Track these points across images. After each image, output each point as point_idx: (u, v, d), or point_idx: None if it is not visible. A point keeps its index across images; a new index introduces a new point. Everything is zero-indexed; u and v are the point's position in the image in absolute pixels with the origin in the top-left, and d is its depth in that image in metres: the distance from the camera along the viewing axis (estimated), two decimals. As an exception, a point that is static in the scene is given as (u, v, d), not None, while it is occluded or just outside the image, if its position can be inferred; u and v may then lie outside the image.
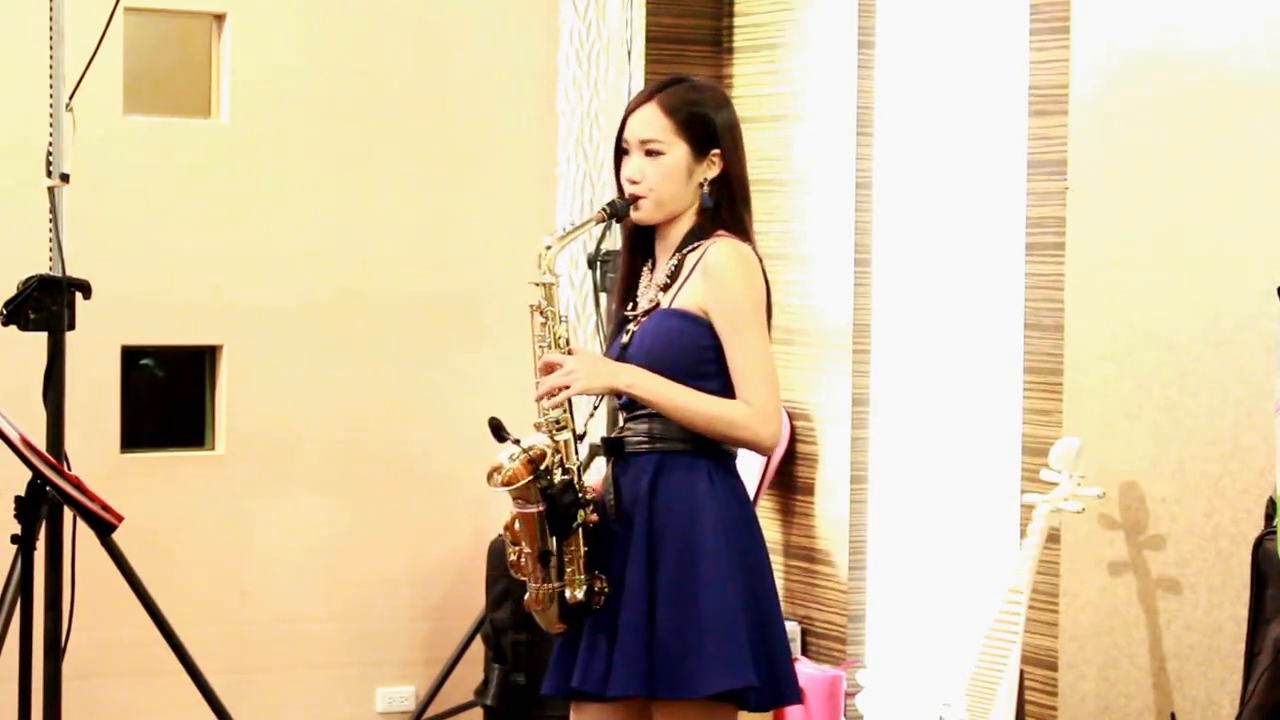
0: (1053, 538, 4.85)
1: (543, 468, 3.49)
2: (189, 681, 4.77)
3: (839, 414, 5.73)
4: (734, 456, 3.61)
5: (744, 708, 3.53)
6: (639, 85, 5.93)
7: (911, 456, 5.63)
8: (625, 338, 3.64)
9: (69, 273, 4.40)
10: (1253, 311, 4.44)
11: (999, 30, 5.29)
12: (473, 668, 5.71)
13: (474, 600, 5.76)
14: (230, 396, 5.70)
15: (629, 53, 5.77)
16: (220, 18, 5.70)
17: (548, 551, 3.52)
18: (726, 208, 3.60)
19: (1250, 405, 4.46)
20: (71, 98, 4.43)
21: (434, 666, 5.82)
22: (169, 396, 5.83)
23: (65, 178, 4.42)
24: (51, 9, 4.44)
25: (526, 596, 3.59)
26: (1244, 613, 4.24)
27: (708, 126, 3.57)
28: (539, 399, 3.55)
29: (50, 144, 4.42)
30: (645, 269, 3.69)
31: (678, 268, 3.58)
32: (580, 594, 3.53)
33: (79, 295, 4.41)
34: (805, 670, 5.64)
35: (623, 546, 3.54)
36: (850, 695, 5.54)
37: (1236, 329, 4.51)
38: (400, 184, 5.89)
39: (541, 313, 3.57)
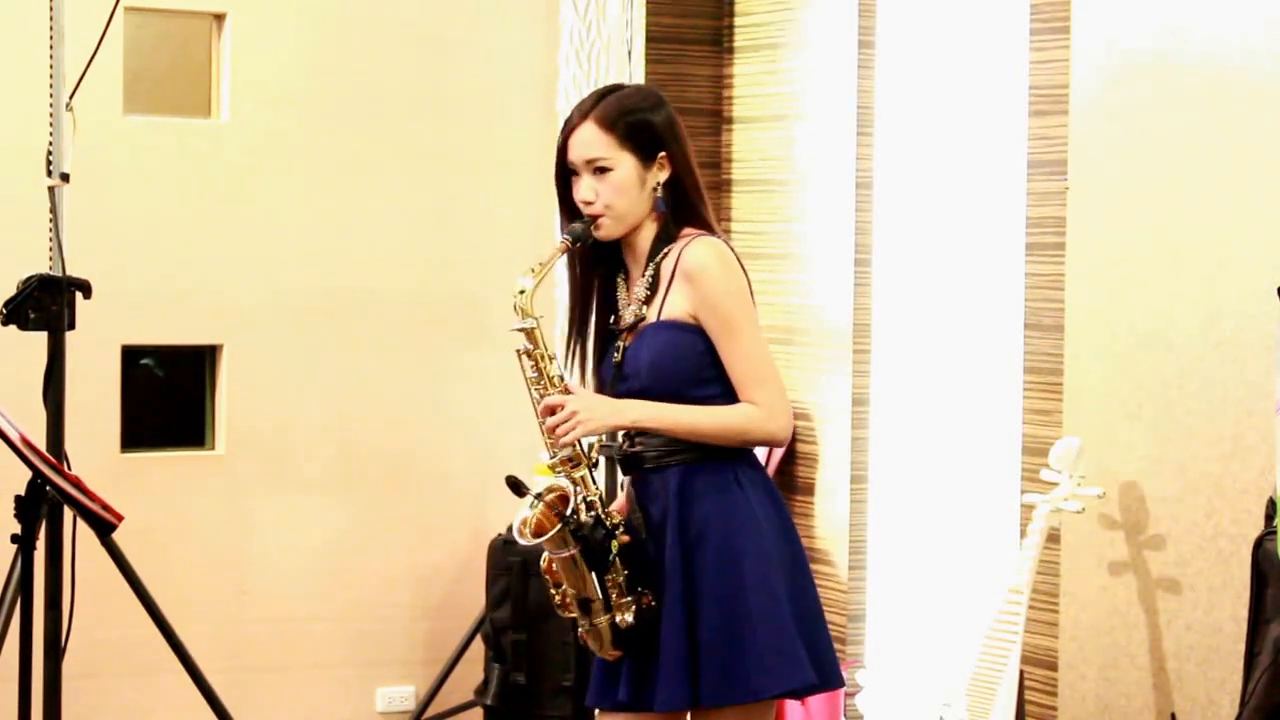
0: (1053, 538, 4.85)
1: (569, 512, 3.47)
2: (189, 681, 4.77)
3: (839, 414, 5.73)
4: (758, 454, 3.62)
5: (791, 697, 3.54)
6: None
7: (911, 456, 5.63)
8: (617, 355, 3.60)
9: (69, 272, 4.40)
10: (1253, 311, 4.44)
11: (999, 30, 5.29)
12: (473, 668, 5.72)
13: (474, 600, 5.76)
14: (230, 396, 5.70)
15: (629, 53, 5.77)
16: (220, 17, 5.70)
17: (588, 599, 3.50)
18: (684, 206, 3.58)
19: (1250, 405, 4.46)
20: (71, 97, 4.42)
21: (434, 666, 5.82)
22: (169, 396, 5.83)
23: (65, 177, 4.42)
24: (51, 9, 4.44)
25: (580, 630, 3.57)
26: (1244, 613, 4.23)
27: (649, 131, 3.56)
28: (550, 444, 3.53)
29: (50, 144, 4.42)
30: (620, 281, 3.65)
31: (655, 277, 3.56)
32: (630, 617, 3.51)
33: (79, 295, 4.41)
34: (805, 670, 5.64)
35: (656, 561, 3.53)
36: (850, 695, 5.54)
37: (1236, 329, 4.51)
38: (400, 184, 5.89)
39: (530, 355, 3.55)
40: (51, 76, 4.43)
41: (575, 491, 3.50)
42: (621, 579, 3.52)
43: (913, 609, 5.63)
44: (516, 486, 3.50)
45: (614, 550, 3.48)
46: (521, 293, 3.53)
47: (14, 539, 4.33)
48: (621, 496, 3.66)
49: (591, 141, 3.55)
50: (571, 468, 3.52)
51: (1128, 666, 4.76)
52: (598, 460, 3.59)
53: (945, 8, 5.53)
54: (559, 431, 3.50)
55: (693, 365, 3.51)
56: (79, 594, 4.41)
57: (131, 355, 5.66)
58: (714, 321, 3.50)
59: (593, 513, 3.49)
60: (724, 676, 3.45)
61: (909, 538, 5.64)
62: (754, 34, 6.08)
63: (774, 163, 5.98)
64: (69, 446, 4.45)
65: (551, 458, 3.54)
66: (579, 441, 3.52)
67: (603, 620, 3.51)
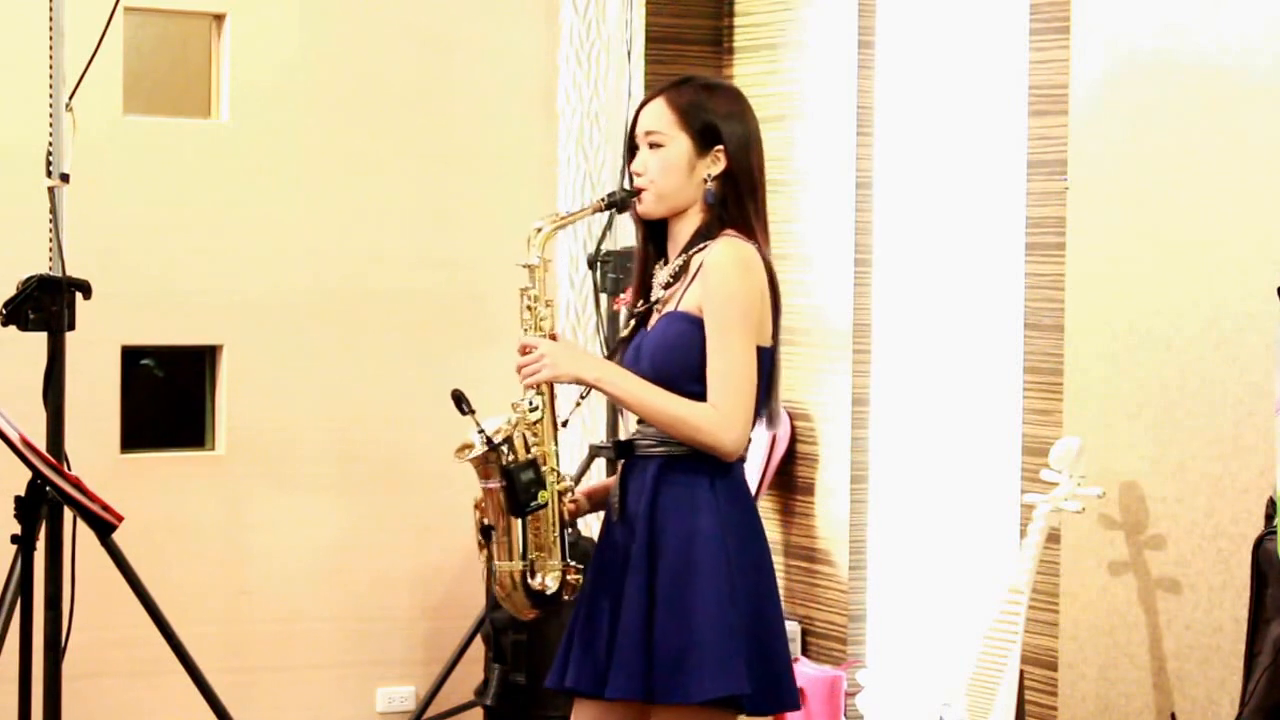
0: (1053, 537, 4.85)
1: (501, 442, 3.49)
2: (189, 681, 4.77)
3: (839, 414, 5.74)
4: (739, 460, 3.57)
5: (740, 713, 3.52)
6: (639, 85, 5.93)
7: (912, 456, 5.63)
8: (636, 334, 3.63)
9: (69, 273, 4.40)
10: (1253, 311, 4.44)
11: (999, 30, 5.29)
12: (473, 668, 5.71)
13: (474, 600, 5.76)
14: (230, 396, 5.70)
15: (629, 53, 5.77)
16: (220, 18, 5.70)
17: (489, 527, 3.53)
18: (734, 206, 3.57)
19: (1250, 405, 4.46)
20: (71, 98, 4.43)
21: (434, 666, 5.82)
22: (169, 396, 5.83)
23: (65, 178, 4.42)
24: (51, 9, 4.44)
25: (494, 583, 3.60)
26: (1244, 613, 4.24)
27: (712, 121, 3.57)
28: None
29: (50, 144, 4.42)
30: (658, 265, 3.67)
31: (683, 267, 3.57)
32: (550, 581, 3.55)
33: (79, 295, 4.41)
34: (805, 670, 5.64)
35: (624, 549, 3.54)
36: (850, 695, 5.54)
37: (1236, 329, 4.51)
38: (400, 184, 5.89)
39: (525, 294, 3.58)
40: (51, 77, 4.43)
41: (521, 433, 3.52)
42: (553, 541, 3.54)
43: (913, 609, 5.63)
44: (460, 401, 3.52)
45: (539, 500, 3.48)
46: (538, 230, 3.57)
47: (14, 539, 4.33)
48: (612, 478, 3.67)
49: (656, 115, 3.59)
50: (530, 410, 3.54)
51: (1128, 666, 4.76)
52: (566, 420, 3.62)
53: (945, 8, 5.53)
54: (524, 372, 3.53)
55: (692, 359, 3.50)
56: (79, 594, 4.41)
57: (131, 355, 5.66)
58: (709, 320, 3.49)
59: (529, 456, 3.50)
60: (670, 676, 3.46)
61: (909, 537, 5.64)
62: (754, 34, 6.08)
63: (774, 163, 5.94)
64: (69, 447, 4.45)
65: (521, 399, 3.56)
66: (550, 391, 3.55)
67: (512, 568, 3.54)
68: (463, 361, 5.90)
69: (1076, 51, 4.89)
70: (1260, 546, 4.15)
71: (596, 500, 3.68)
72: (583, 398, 3.73)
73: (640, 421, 3.58)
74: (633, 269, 3.75)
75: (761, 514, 6.02)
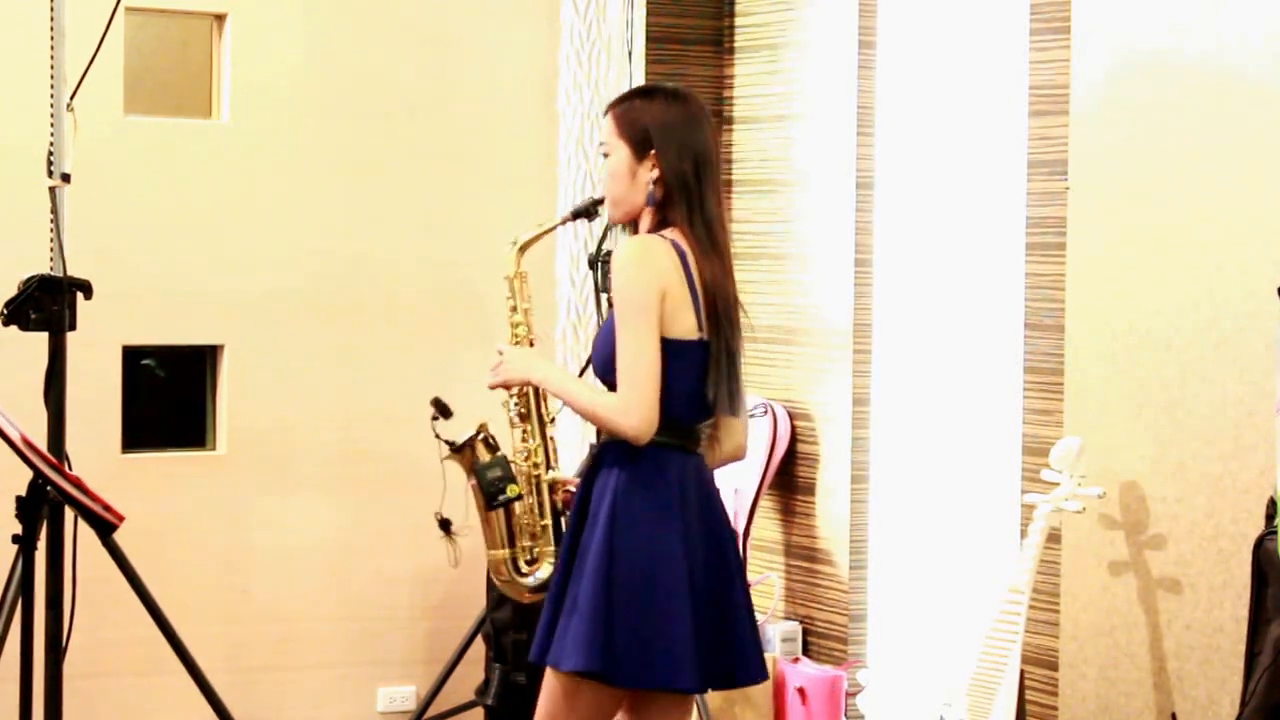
0: (1053, 537, 4.85)
1: (462, 444, 3.85)
2: (190, 681, 4.77)
3: (839, 414, 5.74)
4: (672, 449, 3.69)
5: (610, 684, 3.67)
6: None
7: (912, 456, 5.63)
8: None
9: (70, 273, 4.41)
10: (1253, 311, 4.44)
11: (999, 30, 5.29)
12: (473, 668, 5.71)
13: (474, 600, 5.76)
14: (231, 396, 5.70)
15: (629, 53, 5.78)
16: (221, 18, 5.70)
17: (447, 520, 3.96)
18: (673, 207, 3.74)
19: (1250, 405, 4.47)
20: (72, 98, 4.43)
21: (435, 666, 5.82)
22: (170, 396, 5.83)
23: (66, 178, 4.43)
24: (52, 9, 4.44)
25: (491, 571, 3.93)
26: (1244, 612, 4.24)
27: (645, 127, 3.73)
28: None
29: (51, 144, 4.43)
30: None
31: None
32: (545, 567, 3.86)
33: (80, 295, 4.42)
34: (806, 670, 5.65)
35: (587, 534, 3.76)
36: (851, 695, 5.54)
37: (1236, 329, 4.51)
38: (401, 184, 5.89)
39: (508, 301, 3.94)
40: (52, 77, 4.43)
41: (491, 432, 3.88)
42: (543, 527, 3.86)
43: (913, 609, 5.63)
44: (441, 407, 3.94)
45: (510, 494, 3.81)
46: (514, 243, 3.94)
47: (15, 539, 4.33)
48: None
49: (604, 127, 3.81)
50: (522, 419, 3.86)
51: (1128, 666, 4.76)
52: (554, 418, 3.92)
53: (945, 8, 5.53)
54: (487, 377, 3.85)
55: (613, 352, 3.68)
56: (80, 594, 4.42)
57: (132, 355, 5.66)
58: (614, 314, 3.69)
59: (498, 455, 3.82)
60: (555, 642, 3.68)
61: (910, 537, 5.64)
62: (754, 34, 6.08)
63: (774, 163, 5.99)
64: (70, 447, 4.46)
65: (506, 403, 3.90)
66: (537, 398, 3.86)
67: (501, 555, 3.87)
68: (463, 361, 5.89)
69: (1077, 51, 4.89)
70: (1260, 546, 4.16)
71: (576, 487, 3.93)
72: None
73: None
74: None
75: (762, 513, 6.07)
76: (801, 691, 5.58)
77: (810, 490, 5.86)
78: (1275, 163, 4.44)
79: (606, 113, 3.82)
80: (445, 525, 3.97)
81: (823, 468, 5.81)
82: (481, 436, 3.91)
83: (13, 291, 4.38)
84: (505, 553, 3.86)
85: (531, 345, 3.88)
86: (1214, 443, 4.56)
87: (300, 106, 5.75)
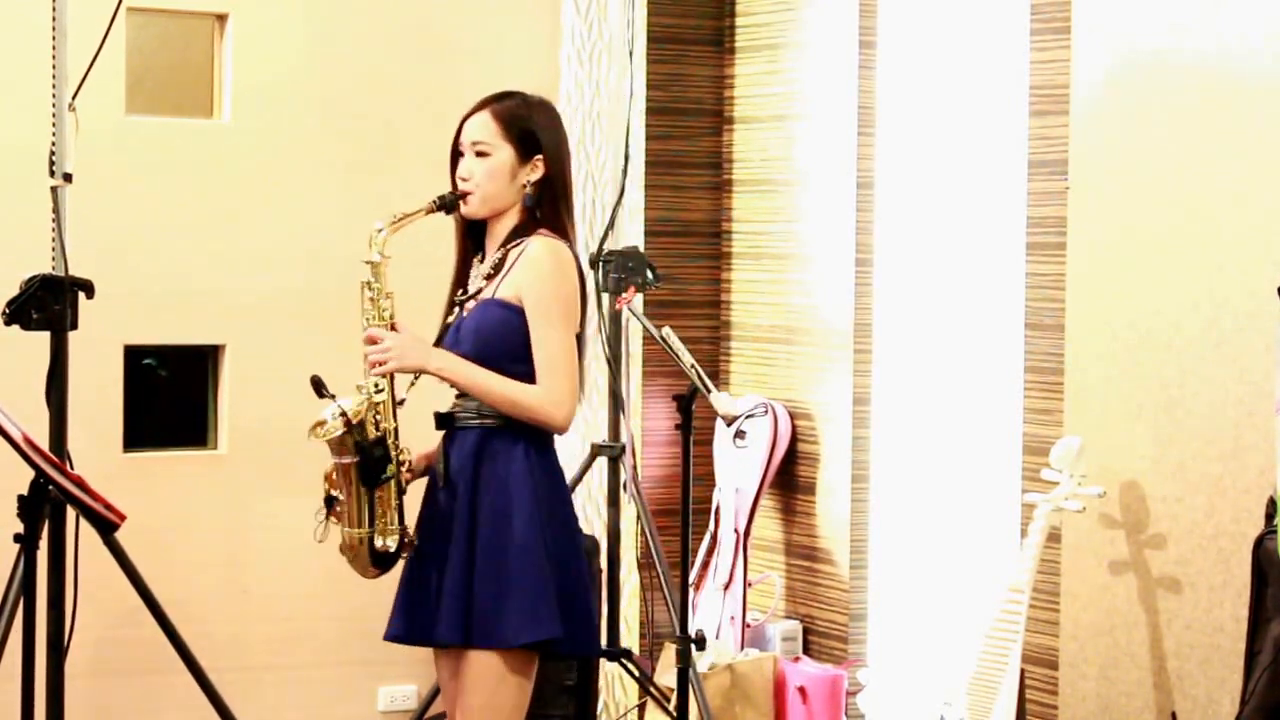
0: (1054, 537, 4.86)
1: (356, 423, 3.92)
2: (191, 680, 4.77)
3: (840, 413, 5.74)
4: (552, 436, 3.97)
5: (547, 656, 3.93)
6: (640, 85, 5.95)
7: (912, 456, 5.64)
8: (450, 319, 4.07)
9: (71, 272, 4.41)
10: (1253, 311, 4.45)
11: (999, 30, 5.30)
12: (474, 667, 5.71)
13: (475, 599, 5.76)
14: (232, 396, 5.70)
15: (630, 53, 5.78)
16: (222, 18, 5.70)
17: (334, 497, 3.93)
18: (548, 208, 3.98)
19: (1250, 405, 4.47)
20: (74, 98, 4.43)
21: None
22: (171, 396, 5.83)
23: (68, 177, 4.43)
24: (54, 9, 4.44)
25: (340, 542, 3.97)
26: (1244, 612, 4.25)
27: (533, 132, 3.99)
28: (366, 371, 4.00)
29: (53, 144, 4.43)
30: (475, 260, 4.07)
31: (501, 260, 3.97)
32: (390, 543, 3.95)
33: (81, 295, 4.42)
34: (806, 669, 5.65)
35: (448, 510, 3.96)
36: (852, 694, 5.55)
37: (1236, 329, 4.52)
38: (401, 184, 5.86)
39: (369, 287, 4.07)
40: (54, 77, 4.43)
41: (371, 414, 3.96)
42: (393, 506, 3.96)
43: (914, 608, 5.64)
44: (319, 387, 3.96)
45: (389, 473, 3.93)
46: (379, 231, 4.07)
47: (17, 538, 4.33)
48: (433, 446, 4.07)
49: (482, 127, 4.00)
50: (376, 392, 3.98)
51: (1128, 666, 4.77)
52: (404, 399, 4.03)
53: (945, 8, 5.54)
54: (371, 360, 3.98)
55: (512, 342, 3.91)
56: (81, 593, 4.42)
57: (134, 355, 5.66)
58: (533, 312, 3.89)
59: (379, 434, 3.93)
60: (488, 624, 3.85)
61: (910, 537, 5.65)
62: (755, 34, 6.09)
63: (775, 163, 5.99)
64: (71, 446, 4.46)
65: (364, 381, 3.99)
66: (391, 378, 3.99)
67: (362, 533, 3.93)
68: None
69: (1077, 51, 4.90)
70: (1260, 546, 4.16)
71: (419, 469, 4.09)
72: (415, 379, 4.09)
73: (460, 396, 4.00)
74: (455, 262, 4.15)
75: (762, 513, 6.08)
76: (802, 690, 5.59)
77: (811, 490, 5.86)
78: (1275, 163, 4.45)
79: (479, 110, 4.01)
80: (330, 502, 3.98)
81: (823, 467, 5.82)
82: (374, 418, 4.03)
83: (14, 291, 4.38)
84: (364, 531, 3.95)
85: (395, 330, 4.03)
86: (1214, 443, 4.56)
87: (300, 106, 5.76)
